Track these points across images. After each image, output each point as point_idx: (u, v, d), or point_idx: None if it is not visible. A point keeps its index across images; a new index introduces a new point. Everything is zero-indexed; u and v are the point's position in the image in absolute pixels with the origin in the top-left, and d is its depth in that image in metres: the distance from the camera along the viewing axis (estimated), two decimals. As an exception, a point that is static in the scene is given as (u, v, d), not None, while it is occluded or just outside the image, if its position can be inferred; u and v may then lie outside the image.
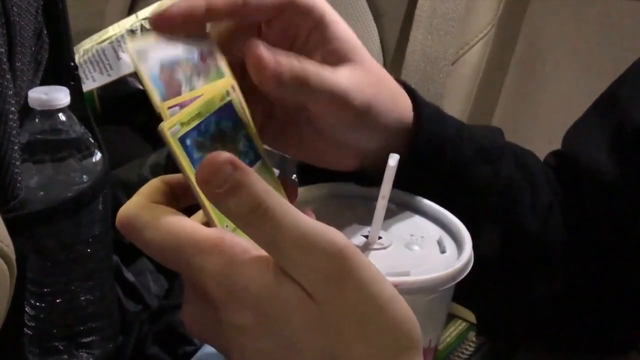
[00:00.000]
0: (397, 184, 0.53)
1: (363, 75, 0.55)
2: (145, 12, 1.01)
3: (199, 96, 0.46)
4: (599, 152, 0.66)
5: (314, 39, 0.54)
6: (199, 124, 0.45)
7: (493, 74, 1.21)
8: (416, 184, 0.57)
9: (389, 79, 0.58)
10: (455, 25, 1.14)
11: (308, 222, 0.40)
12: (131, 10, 1.38)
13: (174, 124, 0.44)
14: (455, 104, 1.17)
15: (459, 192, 0.61)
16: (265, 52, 0.49)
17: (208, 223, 0.44)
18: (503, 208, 0.64)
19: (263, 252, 0.41)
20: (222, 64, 0.49)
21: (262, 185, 0.40)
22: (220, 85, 0.48)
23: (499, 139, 0.66)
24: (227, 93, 0.48)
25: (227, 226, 0.44)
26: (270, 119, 0.55)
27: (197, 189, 0.44)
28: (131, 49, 0.45)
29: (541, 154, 0.72)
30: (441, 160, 0.60)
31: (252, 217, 0.40)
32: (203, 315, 0.42)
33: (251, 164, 0.48)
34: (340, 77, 0.53)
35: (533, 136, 1.17)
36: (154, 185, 0.45)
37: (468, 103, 1.19)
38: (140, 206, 0.43)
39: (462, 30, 1.15)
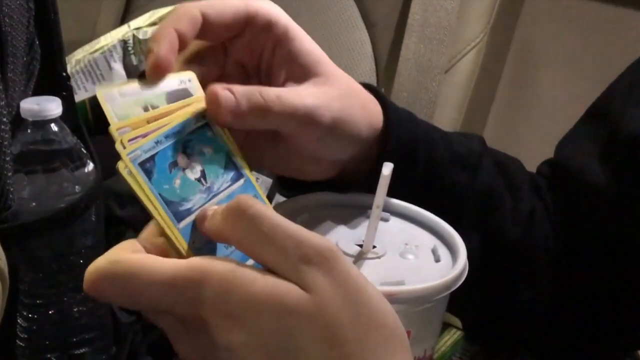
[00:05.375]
0: (371, 189, 0.53)
1: (329, 90, 0.55)
2: (137, 22, 1.01)
3: (164, 125, 0.46)
4: (590, 161, 0.66)
5: (279, 55, 0.54)
6: (164, 149, 0.45)
7: (486, 82, 1.22)
8: (390, 188, 0.57)
9: (357, 88, 0.58)
10: (447, 33, 1.14)
11: (293, 224, 0.41)
12: (123, 20, 1.38)
13: (133, 150, 0.44)
14: (448, 112, 1.17)
15: (435, 198, 0.61)
16: (221, 88, 0.49)
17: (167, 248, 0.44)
18: (482, 214, 0.64)
19: (251, 271, 0.41)
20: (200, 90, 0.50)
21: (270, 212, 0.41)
22: (191, 109, 0.47)
23: (477, 146, 0.66)
24: (203, 116, 0.47)
25: (194, 242, 0.44)
26: (246, 137, 0.56)
27: (158, 216, 0.43)
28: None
29: (533, 161, 0.72)
30: (414, 164, 0.61)
31: (240, 209, 0.41)
32: (198, 344, 0.42)
33: (232, 183, 0.48)
34: (305, 97, 0.53)
35: (525, 143, 1.17)
36: (122, 244, 0.44)
37: (461, 111, 1.19)
38: (111, 260, 0.42)
39: (454, 38, 1.15)
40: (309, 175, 0.59)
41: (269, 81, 0.55)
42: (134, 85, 0.46)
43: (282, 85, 0.55)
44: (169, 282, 0.41)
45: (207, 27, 0.51)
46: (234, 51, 0.54)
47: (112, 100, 0.44)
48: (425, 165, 0.61)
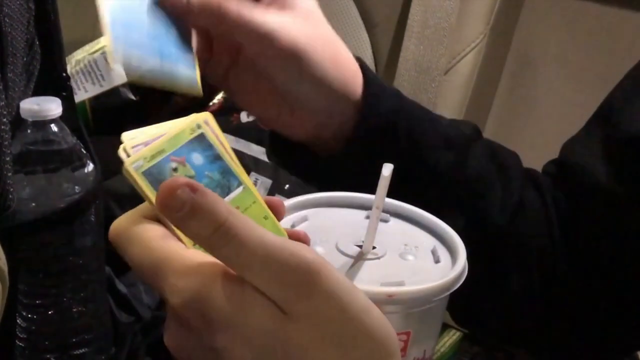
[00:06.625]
0: (351, 165, 0.54)
1: (296, 21, 0.57)
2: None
3: (164, 134, 0.46)
4: (594, 160, 0.67)
5: None
6: (165, 158, 0.45)
7: (485, 83, 1.22)
8: (369, 163, 0.56)
9: (332, 38, 0.60)
10: (447, 35, 1.14)
11: (274, 239, 0.40)
12: (123, 20, 1.38)
13: (136, 159, 0.44)
14: (448, 113, 1.17)
15: (419, 175, 0.61)
16: None
17: None
18: (468, 199, 0.64)
19: (227, 288, 0.40)
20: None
21: (223, 205, 0.40)
22: (190, 119, 0.48)
23: (468, 131, 0.66)
24: (198, 126, 0.48)
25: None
26: (229, 71, 0.59)
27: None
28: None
29: (532, 161, 0.72)
30: (395, 138, 0.61)
31: (215, 238, 0.39)
32: (183, 338, 0.42)
33: (228, 192, 0.48)
34: (267, 17, 0.56)
35: (525, 144, 1.17)
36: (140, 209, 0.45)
37: (461, 112, 1.19)
38: (130, 221, 0.43)
39: (454, 40, 1.15)
40: (289, 129, 0.61)
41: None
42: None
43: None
44: (156, 263, 0.41)
45: None
46: None
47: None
48: (408, 140, 0.61)
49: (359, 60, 0.62)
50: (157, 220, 0.44)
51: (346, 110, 0.60)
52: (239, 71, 0.60)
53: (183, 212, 0.39)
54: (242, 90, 0.61)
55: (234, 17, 0.55)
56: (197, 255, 0.41)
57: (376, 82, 0.61)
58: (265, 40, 0.56)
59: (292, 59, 0.57)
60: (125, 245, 0.43)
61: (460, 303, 0.71)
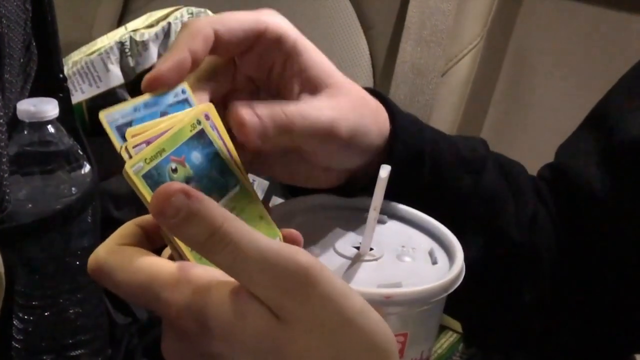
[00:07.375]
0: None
1: (344, 101, 0.55)
2: (135, 24, 1.01)
3: (166, 131, 0.46)
4: (589, 165, 0.66)
5: (290, 68, 0.54)
6: (165, 158, 0.45)
7: (482, 85, 1.22)
8: (396, 192, 0.57)
9: (367, 97, 0.59)
10: (444, 37, 1.14)
11: (270, 243, 0.40)
12: (120, 22, 1.38)
13: (137, 161, 0.44)
14: (445, 115, 1.17)
15: (440, 202, 0.62)
16: (247, 113, 0.49)
17: (179, 256, 0.45)
18: (486, 217, 0.64)
19: (229, 279, 0.40)
20: (192, 97, 0.50)
21: (219, 211, 0.40)
22: (191, 114, 0.48)
23: (481, 150, 0.66)
24: (199, 122, 0.47)
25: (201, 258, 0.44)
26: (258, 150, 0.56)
27: None
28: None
29: (530, 165, 0.72)
30: (420, 169, 0.61)
31: (211, 243, 0.39)
32: (180, 348, 0.42)
33: (226, 191, 0.48)
34: (324, 110, 0.53)
35: (522, 147, 1.18)
36: (124, 228, 0.45)
37: (457, 114, 1.19)
38: (108, 251, 0.43)
39: (451, 42, 1.15)
40: (317, 184, 0.59)
41: (279, 94, 0.55)
42: (133, 105, 0.47)
43: (297, 98, 0.55)
44: (147, 283, 0.41)
45: (219, 43, 0.51)
46: (243, 66, 0.55)
47: (114, 123, 0.45)
48: (431, 169, 0.61)
49: (376, 92, 0.61)
50: (133, 243, 0.44)
51: (378, 154, 0.59)
52: (267, 153, 0.56)
53: (178, 218, 0.39)
54: (268, 165, 0.57)
55: (299, 123, 0.51)
56: (185, 266, 0.41)
57: (399, 115, 0.61)
58: (327, 134, 0.53)
59: (349, 142, 0.55)
60: (108, 277, 0.43)
61: (474, 322, 0.71)
